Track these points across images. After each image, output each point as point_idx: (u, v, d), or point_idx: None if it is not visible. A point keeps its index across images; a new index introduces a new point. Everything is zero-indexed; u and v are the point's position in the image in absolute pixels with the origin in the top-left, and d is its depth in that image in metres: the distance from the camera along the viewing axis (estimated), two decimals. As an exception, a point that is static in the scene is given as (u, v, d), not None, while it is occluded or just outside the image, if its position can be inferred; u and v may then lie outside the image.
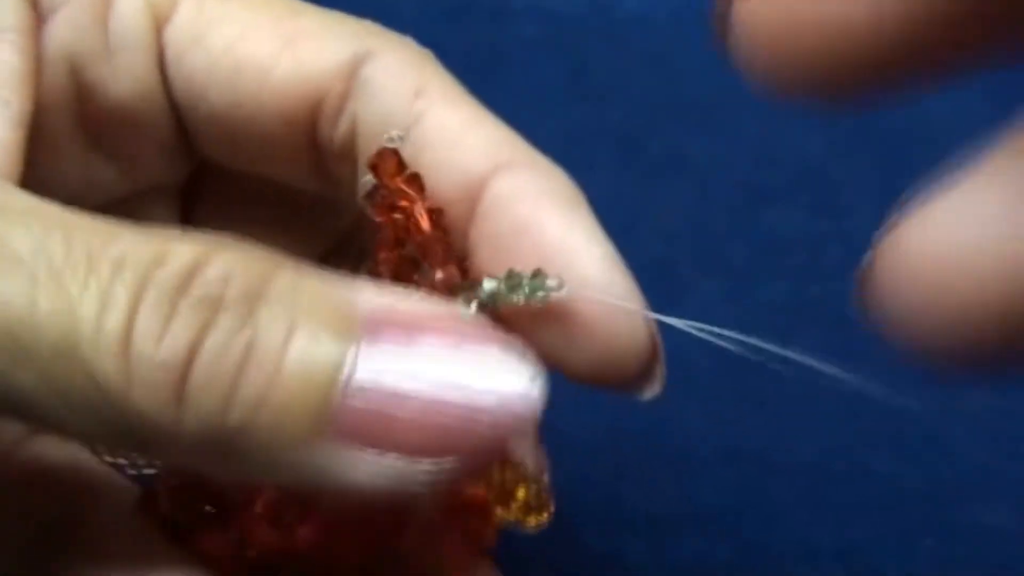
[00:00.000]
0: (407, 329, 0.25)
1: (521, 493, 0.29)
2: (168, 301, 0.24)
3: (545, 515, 0.29)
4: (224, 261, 0.24)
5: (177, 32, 0.32)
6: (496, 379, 0.25)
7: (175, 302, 0.24)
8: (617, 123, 0.61)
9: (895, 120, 0.58)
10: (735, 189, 0.56)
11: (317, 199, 0.37)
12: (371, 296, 0.26)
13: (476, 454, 0.25)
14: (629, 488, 0.46)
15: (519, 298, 0.28)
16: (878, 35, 0.18)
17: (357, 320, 0.25)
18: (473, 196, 0.31)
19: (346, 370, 0.24)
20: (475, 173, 0.31)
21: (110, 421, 0.24)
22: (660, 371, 0.30)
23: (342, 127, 0.33)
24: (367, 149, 0.32)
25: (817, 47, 0.19)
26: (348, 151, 0.33)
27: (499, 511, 0.29)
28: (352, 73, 0.32)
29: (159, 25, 0.33)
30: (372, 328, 0.24)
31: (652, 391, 0.30)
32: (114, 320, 0.24)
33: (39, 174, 0.32)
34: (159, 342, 0.24)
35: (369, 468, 0.25)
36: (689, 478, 0.47)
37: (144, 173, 0.35)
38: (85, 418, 0.25)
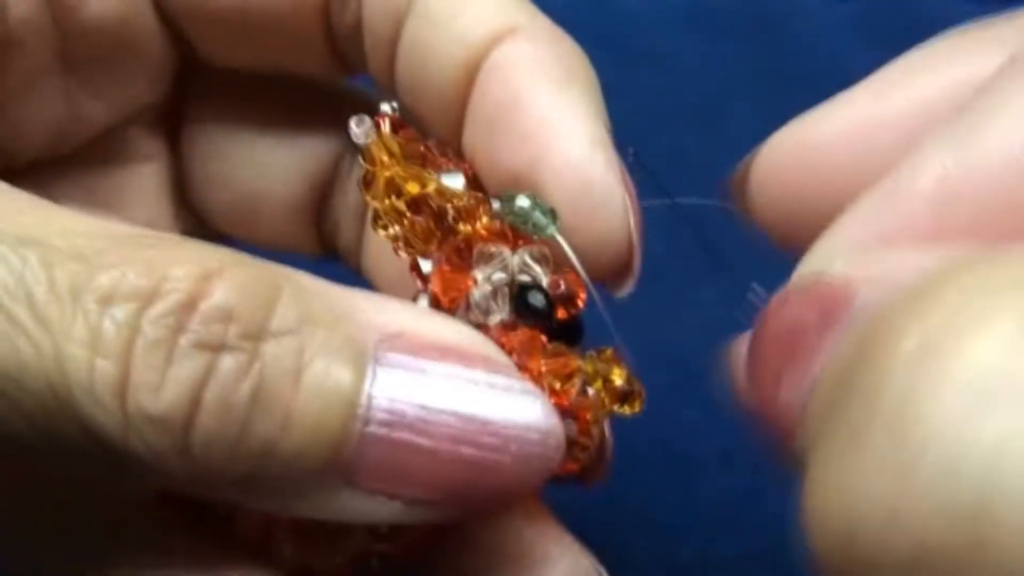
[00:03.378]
0: (419, 353, 0.23)
1: (617, 375, 0.27)
2: (165, 343, 0.22)
3: (639, 403, 0.28)
4: (223, 291, 0.22)
5: None
6: (513, 410, 0.24)
7: (172, 344, 0.22)
8: (617, 123, 0.61)
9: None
10: (735, 189, 0.56)
11: (325, 95, 0.35)
12: (379, 314, 0.24)
13: (499, 496, 0.24)
14: (630, 490, 0.46)
15: (530, 226, 0.28)
16: None
17: (369, 348, 0.23)
18: (473, 68, 0.29)
19: (361, 405, 0.22)
20: (475, 44, 0.29)
21: (106, 465, 0.23)
22: (634, 269, 0.29)
23: (354, 3, 0.31)
24: (373, 23, 0.31)
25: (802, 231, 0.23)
26: (359, 29, 0.31)
27: (591, 414, 0.28)
28: None
29: None
30: (384, 354, 0.23)
31: (625, 288, 0.29)
32: (107, 368, 0.21)
33: (18, 115, 0.30)
34: (158, 393, 0.21)
35: (390, 509, 0.23)
36: (690, 479, 0.47)
37: (130, 98, 0.33)
38: (79, 461, 0.23)
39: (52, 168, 0.33)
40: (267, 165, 0.35)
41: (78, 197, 0.33)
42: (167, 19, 0.32)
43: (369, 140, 0.28)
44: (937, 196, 0.20)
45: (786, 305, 0.21)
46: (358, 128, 0.28)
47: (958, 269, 0.17)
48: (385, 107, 0.30)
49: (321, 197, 0.35)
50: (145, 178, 0.35)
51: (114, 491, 0.27)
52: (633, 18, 0.62)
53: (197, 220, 0.36)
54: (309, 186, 0.35)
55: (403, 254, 0.28)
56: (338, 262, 0.37)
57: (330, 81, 0.34)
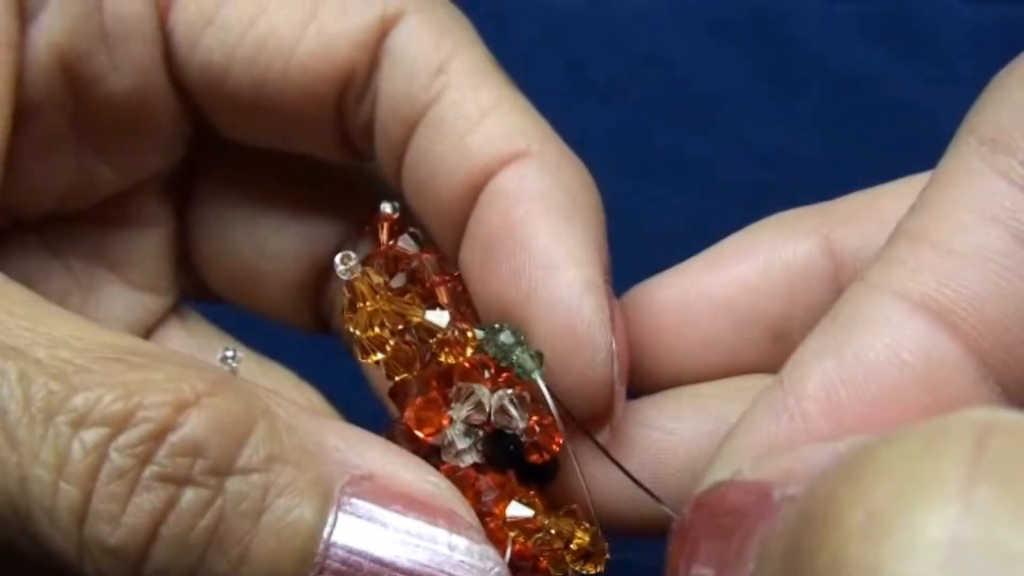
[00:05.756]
0: (384, 502, 0.23)
1: (579, 539, 0.27)
2: (130, 473, 0.22)
3: (602, 563, 0.28)
4: (194, 423, 0.22)
5: (185, 15, 0.30)
6: (463, 573, 0.24)
7: (137, 474, 0.22)
8: (617, 123, 0.61)
9: (894, 121, 0.58)
10: (735, 189, 0.56)
11: (333, 175, 0.35)
12: (350, 454, 0.24)
13: None
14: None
15: (513, 361, 0.28)
16: None
17: (335, 491, 0.23)
18: (477, 188, 0.30)
19: (318, 553, 0.23)
20: (481, 164, 0.29)
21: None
22: (615, 416, 0.29)
23: (369, 100, 0.31)
24: (385, 125, 0.31)
25: None
26: (372, 127, 0.31)
27: (551, 567, 0.27)
28: (379, 40, 0.30)
29: (162, 11, 0.31)
30: (349, 499, 0.23)
31: (607, 434, 0.29)
32: (70, 494, 0.22)
33: (30, 176, 0.30)
34: (116, 523, 0.22)
35: None
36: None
37: (141, 165, 0.33)
38: (35, 571, 0.23)
39: (60, 224, 0.33)
40: (270, 244, 0.35)
41: (83, 254, 0.34)
42: (184, 95, 0.32)
43: (353, 277, 0.27)
44: (825, 399, 0.22)
45: (715, 497, 0.22)
46: (343, 265, 0.27)
47: (878, 446, 0.18)
48: (386, 207, 0.30)
49: (321, 278, 0.35)
50: (150, 242, 0.35)
51: None
52: (633, 18, 0.62)
53: (198, 285, 0.36)
54: (310, 267, 0.35)
55: (385, 377, 0.28)
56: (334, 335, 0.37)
57: (341, 163, 0.35)
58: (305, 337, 0.37)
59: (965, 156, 0.23)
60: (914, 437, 0.18)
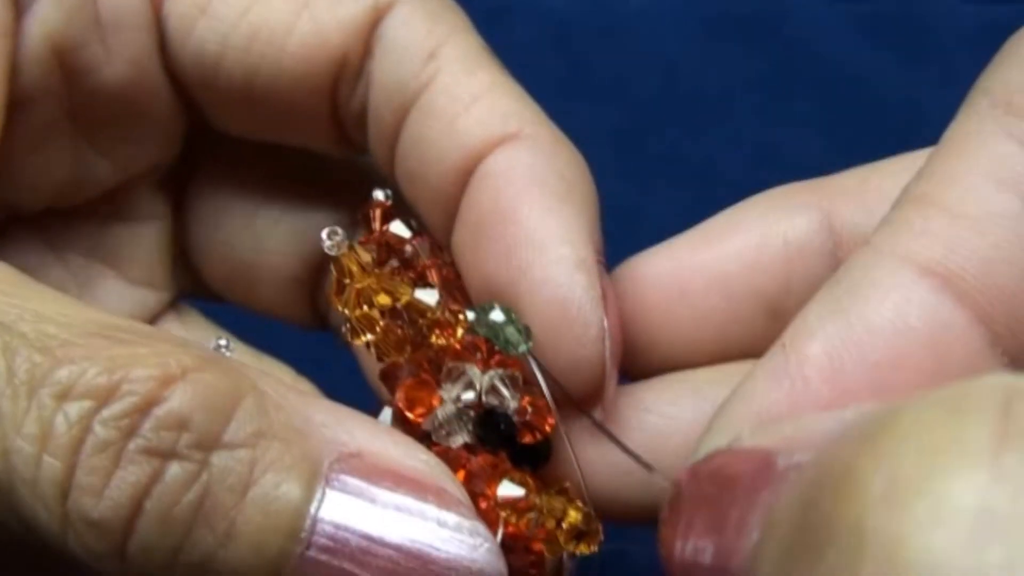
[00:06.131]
0: (372, 478, 0.23)
1: (572, 517, 0.27)
2: (114, 446, 0.21)
3: (596, 543, 0.28)
4: (180, 397, 0.22)
5: (178, 5, 0.30)
6: (458, 550, 0.23)
7: (121, 447, 0.22)
8: (617, 123, 0.61)
9: (894, 121, 0.58)
10: (735, 189, 0.56)
11: (328, 168, 0.35)
12: (338, 431, 0.24)
13: None
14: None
15: (502, 339, 0.27)
16: None
17: (322, 467, 0.23)
18: (468, 171, 0.29)
19: (305, 529, 0.22)
20: (472, 147, 0.29)
21: (46, 555, 0.23)
22: (607, 394, 0.28)
23: (362, 89, 0.31)
24: (378, 113, 0.31)
25: None
26: (366, 115, 0.31)
27: (545, 548, 0.27)
28: (371, 28, 0.30)
29: (156, 1, 0.30)
30: (337, 476, 0.23)
31: (599, 413, 0.29)
32: (53, 466, 0.21)
33: (25, 169, 0.30)
34: (99, 497, 0.21)
35: None
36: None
37: (137, 159, 0.33)
38: (18, 547, 0.23)
39: (56, 219, 0.33)
40: (266, 239, 0.35)
41: (80, 249, 0.34)
42: (179, 87, 0.32)
43: (340, 253, 0.27)
44: (827, 364, 0.22)
45: (712, 466, 0.22)
46: (330, 240, 0.27)
47: (898, 411, 0.17)
48: (379, 194, 0.30)
49: (317, 273, 0.35)
50: (146, 237, 0.35)
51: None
52: (633, 18, 0.62)
53: (195, 282, 0.36)
54: (306, 262, 0.35)
55: (376, 360, 0.28)
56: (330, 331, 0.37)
57: (337, 155, 0.35)
58: (303, 334, 0.37)
59: (977, 118, 0.22)
60: (936, 402, 0.17)
